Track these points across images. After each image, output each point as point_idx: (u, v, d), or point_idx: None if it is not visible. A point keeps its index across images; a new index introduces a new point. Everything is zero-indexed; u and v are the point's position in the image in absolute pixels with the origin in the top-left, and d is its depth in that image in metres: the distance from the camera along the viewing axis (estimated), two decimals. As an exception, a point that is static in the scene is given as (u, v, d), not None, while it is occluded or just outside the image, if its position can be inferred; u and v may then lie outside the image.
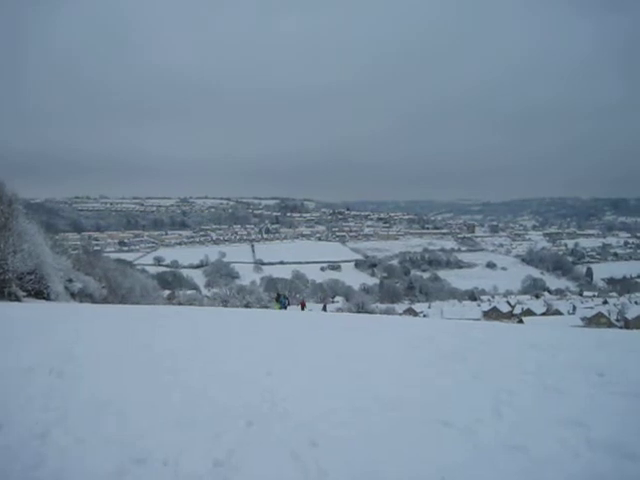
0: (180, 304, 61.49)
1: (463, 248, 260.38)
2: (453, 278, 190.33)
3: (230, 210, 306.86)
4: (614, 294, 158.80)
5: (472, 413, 6.91)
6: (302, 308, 44.16)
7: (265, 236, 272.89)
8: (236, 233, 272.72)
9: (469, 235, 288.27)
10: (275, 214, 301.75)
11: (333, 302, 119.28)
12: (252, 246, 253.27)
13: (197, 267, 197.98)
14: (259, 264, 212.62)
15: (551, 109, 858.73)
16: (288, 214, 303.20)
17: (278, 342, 12.93)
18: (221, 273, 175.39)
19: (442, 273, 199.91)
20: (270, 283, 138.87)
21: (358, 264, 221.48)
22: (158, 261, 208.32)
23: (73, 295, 36.80)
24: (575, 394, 8.08)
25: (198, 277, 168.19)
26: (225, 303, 65.40)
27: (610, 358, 11.31)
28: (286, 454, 5.56)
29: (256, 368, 9.40)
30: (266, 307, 61.08)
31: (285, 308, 38.75)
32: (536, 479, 5.08)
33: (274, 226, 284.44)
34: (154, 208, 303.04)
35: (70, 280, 37.01)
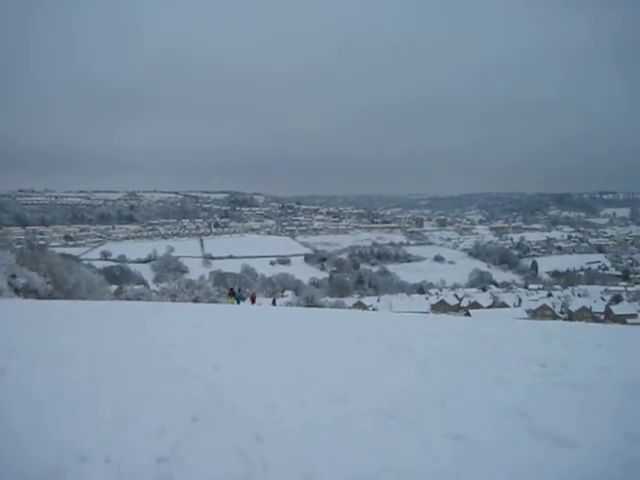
0: (128, 299, 60.66)
1: (412, 242, 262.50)
2: (402, 272, 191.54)
3: (179, 204, 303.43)
4: (558, 287, 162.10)
5: (416, 405, 6.99)
6: (252, 302, 44.00)
7: (214, 230, 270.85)
8: (185, 227, 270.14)
9: (418, 229, 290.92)
10: (224, 208, 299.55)
11: (283, 296, 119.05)
12: (201, 240, 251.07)
13: (145, 262, 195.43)
14: (208, 258, 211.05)
15: (501, 105, 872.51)
16: (237, 208, 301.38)
17: (227, 337, 12.87)
18: (169, 267, 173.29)
19: (391, 267, 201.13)
20: (219, 277, 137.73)
21: (308, 258, 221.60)
22: (105, 256, 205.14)
23: (17, 291, 35.98)
24: (517, 384, 8.24)
25: (146, 272, 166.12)
26: (173, 298, 64.61)
27: (552, 349, 11.55)
28: (231, 449, 5.52)
29: (203, 363, 9.33)
30: (215, 302, 60.54)
31: (239, 302, 38.59)
32: (475, 468, 5.16)
33: (223, 220, 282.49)
34: (101, 202, 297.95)
35: (14, 276, 36.18)
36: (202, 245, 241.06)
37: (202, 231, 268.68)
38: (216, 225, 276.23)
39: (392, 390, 7.70)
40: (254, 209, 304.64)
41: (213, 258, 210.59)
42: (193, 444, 5.66)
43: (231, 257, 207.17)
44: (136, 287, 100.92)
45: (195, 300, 62.68)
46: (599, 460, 5.46)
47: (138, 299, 60.35)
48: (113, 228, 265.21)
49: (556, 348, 11.83)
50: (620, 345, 13.41)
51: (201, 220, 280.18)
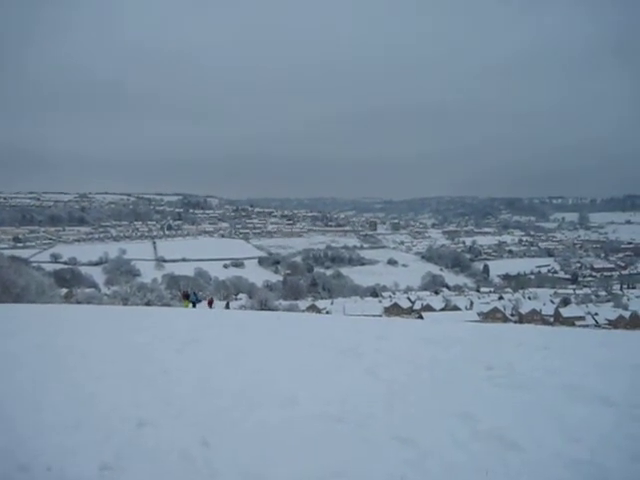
0: (78, 303, 59.78)
1: (365, 245, 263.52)
2: (356, 275, 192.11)
3: (131, 206, 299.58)
4: (509, 290, 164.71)
5: (365, 408, 7.04)
6: (210, 306, 43.73)
7: (167, 233, 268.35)
8: (137, 230, 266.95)
9: (371, 232, 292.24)
10: (177, 210, 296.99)
11: (236, 299, 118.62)
12: (154, 243, 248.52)
13: (96, 264, 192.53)
14: (161, 261, 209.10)
15: (452, 112, 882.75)
16: (191, 211, 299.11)
17: (177, 340, 12.77)
18: (121, 270, 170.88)
19: (345, 270, 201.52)
20: (172, 280, 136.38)
21: (262, 261, 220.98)
22: (55, 258, 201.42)
23: (-38, 294, 35.21)
24: (464, 387, 8.35)
25: (97, 275, 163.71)
26: (125, 301, 63.90)
27: (499, 352, 11.73)
28: (176, 454, 5.49)
29: (152, 367, 9.26)
30: (168, 305, 59.97)
31: (195, 306, 38.24)
32: (421, 470, 5.22)
33: (176, 223, 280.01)
34: (51, 203, 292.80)
35: (-41, 279, 35.41)
36: (155, 248, 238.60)
37: (155, 234, 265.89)
38: (169, 228, 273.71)
39: (341, 393, 7.74)
40: (208, 212, 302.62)
41: (166, 261, 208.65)
42: (138, 450, 5.59)
43: (184, 260, 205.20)
44: (87, 290, 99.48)
45: (147, 303, 61.92)
46: (541, 461, 5.57)
47: (89, 303, 59.36)
48: (64, 230, 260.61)
49: (504, 350, 12.02)
50: (566, 347, 13.65)
51: (154, 222, 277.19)
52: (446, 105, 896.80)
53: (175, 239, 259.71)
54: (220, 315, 24.66)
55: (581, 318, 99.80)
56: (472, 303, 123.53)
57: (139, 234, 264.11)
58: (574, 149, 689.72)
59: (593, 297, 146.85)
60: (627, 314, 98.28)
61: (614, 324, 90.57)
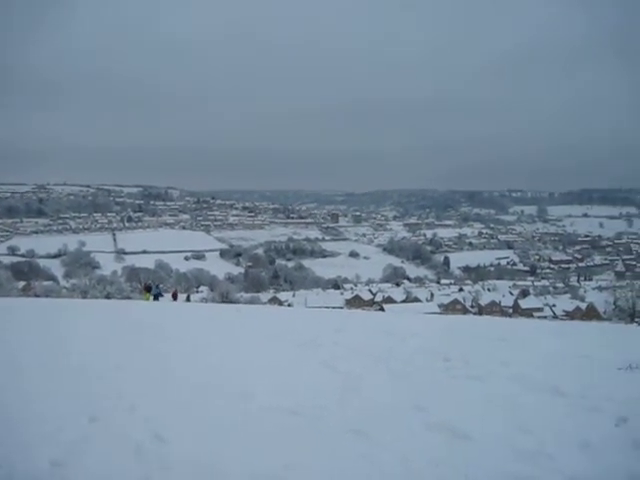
0: (36, 296, 58.93)
1: (327, 237, 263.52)
2: (317, 267, 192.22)
3: (90, 197, 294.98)
4: (469, 282, 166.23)
5: (319, 400, 7.07)
6: (174, 298, 43.32)
7: (127, 225, 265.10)
8: (97, 221, 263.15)
9: (333, 225, 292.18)
10: (138, 202, 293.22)
11: (197, 292, 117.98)
12: (114, 235, 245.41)
13: (55, 257, 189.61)
14: (121, 253, 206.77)
15: (415, 104, 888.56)
16: (151, 202, 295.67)
17: (133, 334, 12.69)
18: (80, 263, 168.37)
19: (307, 262, 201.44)
20: (132, 273, 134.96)
21: (223, 253, 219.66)
22: (12, 251, 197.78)
23: None
24: (420, 379, 8.46)
25: (56, 267, 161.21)
26: (84, 294, 63.20)
27: (456, 343, 11.88)
28: (129, 450, 5.43)
29: (105, 361, 9.19)
30: (128, 298, 59.39)
31: (157, 298, 37.84)
32: (374, 463, 5.26)
33: (137, 214, 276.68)
34: (8, 194, 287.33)
35: None
36: (115, 240, 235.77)
37: (115, 225, 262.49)
38: (129, 219, 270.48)
39: (297, 386, 7.77)
40: (168, 203, 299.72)
41: (126, 253, 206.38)
42: (90, 446, 5.52)
43: (145, 252, 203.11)
44: (45, 283, 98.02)
45: (107, 296, 61.27)
46: (492, 451, 5.66)
47: (47, 296, 58.56)
48: (21, 222, 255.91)
49: (461, 342, 12.18)
50: (521, 339, 13.89)
51: (114, 214, 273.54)
52: (412, 102, 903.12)
53: (135, 231, 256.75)
54: (179, 308, 24.56)
55: (539, 309, 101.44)
56: (433, 295, 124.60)
57: (98, 226, 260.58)
58: (532, 144, 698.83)
59: (551, 289, 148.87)
60: (584, 305, 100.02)
61: (571, 315, 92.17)
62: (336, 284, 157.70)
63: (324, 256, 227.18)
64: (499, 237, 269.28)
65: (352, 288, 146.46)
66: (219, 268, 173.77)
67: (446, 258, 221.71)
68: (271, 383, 7.93)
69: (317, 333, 13.24)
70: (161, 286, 49.70)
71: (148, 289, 39.92)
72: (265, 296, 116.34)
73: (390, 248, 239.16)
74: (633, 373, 9.48)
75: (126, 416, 6.45)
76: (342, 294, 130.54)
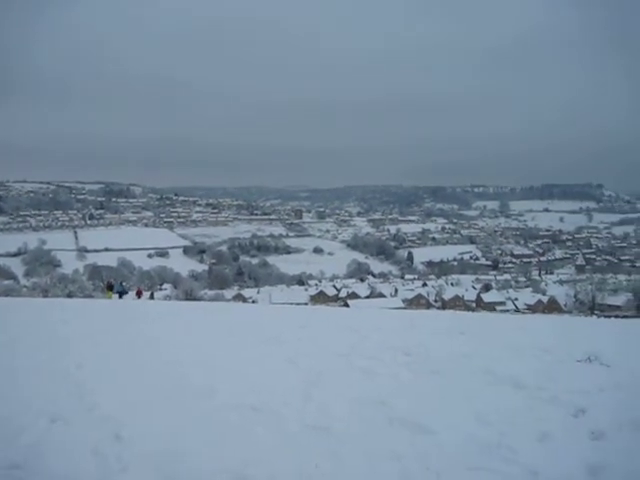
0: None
1: (291, 234, 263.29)
2: (282, 263, 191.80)
3: (51, 195, 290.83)
4: (433, 276, 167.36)
5: (282, 397, 7.07)
6: (139, 296, 42.96)
7: (89, 222, 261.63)
8: (58, 219, 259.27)
9: (297, 221, 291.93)
10: (99, 199, 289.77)
11: (161, 289, 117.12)
12: (75, 233, 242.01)
13: (15, 255, 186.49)
14: (83, 251, 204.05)
15: (378, 102, 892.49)
16: (113, 199, 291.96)
17: (96, 333, 12.54)
18: (41, 261, 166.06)
19: (271, 259, 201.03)
20: (95, 271, 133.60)
21: (187, 250, 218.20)
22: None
23: None
24: (382, 374, 8.49)
25: (16, 266, 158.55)
26: (45, 293, 62.48)
27: (418, 338, 11.96)
28: (88, 450, 5.36)
29: (67, 361, 9.07)
30: (91, 296, 58.75)
31: (122, 296, 37.47)
32: (336, 458, 5.28)
33: (98, 212, 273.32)
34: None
35: None
36: (76, 238, 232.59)
37: (76, 223, 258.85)
38: (91, 217, 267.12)
39: (260, 383, 7.74)
40: (131, 200, 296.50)
41: (88, 251, 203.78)
42: (49, 447, 5.43)
43: (107, 250, 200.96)
44: (5, 282, 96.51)
45: (69, 295, 60.62)
46: (454, 444, 5.72)
47: (7, 295, 57.63)
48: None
49: (422, 336, 12.26)
50: (483, 332, 14.03)
51: (75, 212, 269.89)
52: (376, 100, 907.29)
53: (97, 229, 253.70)
54: (142, 306, 24.36)
55: (502, 303, 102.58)
56: (397, 290, 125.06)
57: (59, 224, 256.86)
58: (494, 139, 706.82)
59: (513, 283, 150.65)
60: (545, 299, 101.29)
61: (533, 309, 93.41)
62: (300, 280, 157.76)
63: (288, 252, 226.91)
64: (462, 232, 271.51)
65: (317, 284, 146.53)
66: (183, 265, 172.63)
67: (410, 253, 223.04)
68: (233, 380, 7.89)
69: (281, 329, 13.23)
70: (124, 284, 49.21)
71: (110, 287, 39.58)
72: (229, 293, 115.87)
73: (354, 244, 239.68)
74: (591, 365, 9.65)
75: (86, 416, 6.36)
76: (307, 290, 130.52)
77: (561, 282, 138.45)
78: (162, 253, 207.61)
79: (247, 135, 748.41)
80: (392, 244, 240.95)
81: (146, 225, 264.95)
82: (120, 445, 5.55)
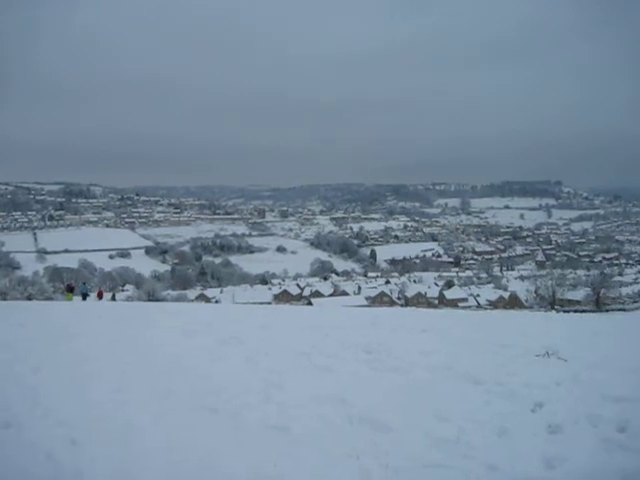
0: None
1: (254, 233, 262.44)
2: (245, 263, 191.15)
3: (9, 196, 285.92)
4: (395, 274, 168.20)
5: (241, 397, 7.01)
6: (99, 298, 42.48)
7: (48, 223, 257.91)
8: (16, 220, 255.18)
9: (260, 220, 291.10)
10: (59, 200, 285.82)
11: (123, 290, 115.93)
12: (34, 234, 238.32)
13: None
14: (42, 253, 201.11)
15: (339, 102, 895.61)
16: (73, 200, 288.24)
17: (53, 336, 12.33)
18: (0, 264, 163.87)
19: (234, 258, 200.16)
20: (55, 273, 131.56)
21: (149, 251, 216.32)
22: None
23: None
24: (342, 372, 8.49)
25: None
26: (4, 296, 61.33)
27: (379, 336, 12.00)
28: (42, 455, 5.24)
29: (22, 365, 8.90)
30: (51, 299, 57.87)
31: (85, 298, 37.00)
32: (294, 458, 5.24)
33: (58, 213, 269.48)
34: None
35: None
36: (36, 239, 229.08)
37: (35, 224, 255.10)
38: (50, 218, 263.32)
39: (218, 383, 7.66)
40: (91, 201, 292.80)
41: (48, 253, 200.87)
42: (3, 453, 5.30)
43: (67, 251, 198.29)
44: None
45: (28, 298, 59.56)
46: (412, 441, 5.74)
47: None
48: None
49: (384, 334, 12.31)
50: (444, 329, 14.12)
51: (34, 213, 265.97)
52: (338, 99, 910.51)
53: (57, 230, 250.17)
54: (102, 307, 24.07)
55: (464, 300, 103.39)
56: (360, 288, 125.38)
57: (18, 225, 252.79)
58: (455, 139, 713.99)
59: (475, 279, 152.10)
60: (506, 295, 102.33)
61: (494, 304, 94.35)
62: (264, 279, 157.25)
63: (251, 252, 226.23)
64: (424, 230, 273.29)
65: (280, 283, 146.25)
66: (145, 266, 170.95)
67: (373, 251, 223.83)
68: (192, 381, 7.80)
69: (241, 329, 13.18)
70: (86, 285, 48.60)
71: (70, 290, 39.05)
72: (192, 293, 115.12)
73: (317, 242, 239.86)
74: (549, 359, 9.77)
75: (40, 421, 6.23)
76: (270, 289, 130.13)
77: (522, 278, 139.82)
78: (124, 254, 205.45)
79: (209, 134, 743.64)
80: (355, 242, 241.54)
81: (107, 226, 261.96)
82: (75, 450, 5.43)
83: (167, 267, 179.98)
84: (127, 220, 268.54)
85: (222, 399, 6.90)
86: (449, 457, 5.38)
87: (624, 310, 77.20)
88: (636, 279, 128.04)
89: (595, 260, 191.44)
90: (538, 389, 7.60)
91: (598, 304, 76.14)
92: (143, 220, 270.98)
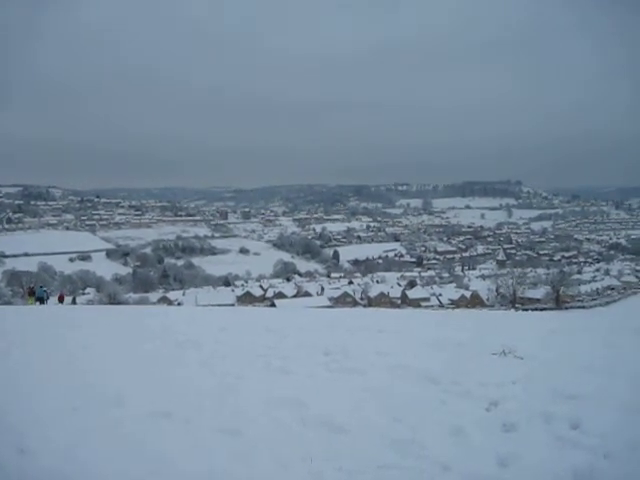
0: None
1: (216, 235, 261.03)
2: (207, 265, 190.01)
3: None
4: (358, 274, 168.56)
5: (194, 401, 6.90)
6: (60, 301, 41.82)
7: (6, 226, 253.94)
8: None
9: (222, 222, 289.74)
10: (17, 202, 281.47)
11: (84, 294, 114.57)
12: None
13: None
14: (0, 257, 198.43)
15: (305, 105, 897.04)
16: (32, 202, 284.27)
17: (6, 341, 12.07)
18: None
19: (196, 260, 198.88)
20: (13, 277, 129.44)
21: (110, 253, 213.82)
22: None
23: None
24: (299, 374, 8.45)
25: None
26: (-41, 301, 60.36)
27: (337, 337, 11.98)
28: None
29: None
30: (9, 303, 56.99)
31: (44, 302, 36.34)
32: (247, 462, 5.17)
33: (16, 215, 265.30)
34: None
35: None
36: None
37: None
38: (8, 221, 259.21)
39: (172, 388, 7.54)
40: (50, 203, 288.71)
41: (6, 256, 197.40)
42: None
43: (26, 255, 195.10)
44: None
45: (-15, 302, 58.66)
46: (367, 442, 5.72)
47: None
48: None
49: (342, 335, 12.30)
50: (402, 329, 14.19)
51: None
52: (300, 100, 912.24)
53: (15, 233, 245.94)
54: (60, 311, 23.72)
55: (426, 299, 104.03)
56: (323, 289, 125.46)
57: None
58: (415, 139, 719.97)
59: (437, 279, 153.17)
60: (468, 294, 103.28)
61: (456, 303, 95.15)
62: (227, 281, 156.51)
63: (214, 253, 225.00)
64: (386, 230, 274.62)
65: (243, 285, 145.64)
66: (106, 269, 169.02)
67: (335, 252, 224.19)
68: (145, 387, 7.64)
69: (199, 332, 13.07)
70: (45, 289, 47.81)
71: (32, 293, 38.42)
72: (154, 296, 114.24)
73: (280, 243, 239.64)
74: (506, 358, 9.86)
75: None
76: (233, 291, 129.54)
77: (483, 277, 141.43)
78: (84, 257, 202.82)
79: (170, 135, 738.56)
80: (318, 243, 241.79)
81: (67, 228, 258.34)
82: (23, 458, 5.26)
83: (129, 270, 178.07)
84: (87, 223, 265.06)
85: (176, 403, 6.77)
86: (403, 457, 5.37)
87: (583, 308, 78.69)
88: (594, 277, 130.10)
89: (554, 259, 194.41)
90: (494, 388, 7.66)
91: (558, 302, 77.37)
92: (104, 222, 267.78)
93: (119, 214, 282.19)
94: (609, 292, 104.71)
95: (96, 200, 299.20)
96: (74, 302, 71.89)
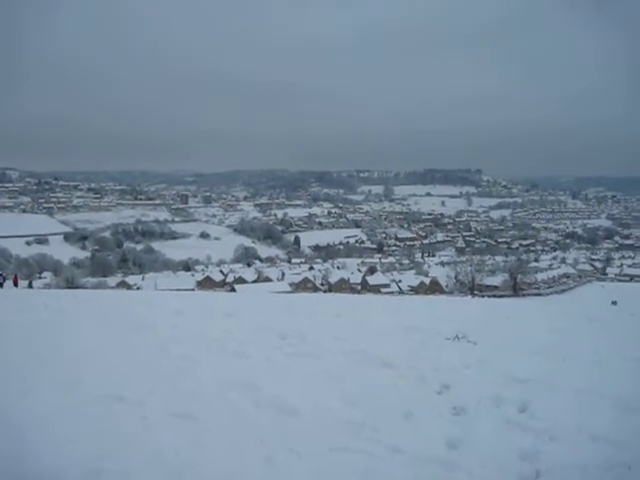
0: None
1: (177, 219, 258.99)
2: (167, 249, 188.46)
3: None
4: (319, 260, 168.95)
5: (148, 385, 6.85)
6: (15, 285, 41.13)
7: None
8: None
9: (183, 206, 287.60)
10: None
11: (40, 278, 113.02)
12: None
13: None
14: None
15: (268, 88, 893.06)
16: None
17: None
18: None
19: (156, 244, 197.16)
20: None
21: (67, 237, 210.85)
22: None
23: None
24: (254, 358, 8.48)
25: None
26: None
27: (295, 321, 12.04)
28: None
29: None
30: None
31: (1, 285, 35.75)
32: (198, 445, 5.14)
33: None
34: None
35: None
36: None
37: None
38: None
39: (125, 372, 7.47)
40: (6, 185, 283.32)
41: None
42: None
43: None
44: None
45: (-63, 286, 57.38)
46: (319, 425, 5.77)
47: None
48: None
49: (299, 320, 12.35)
50: (359, 314, 14.29)
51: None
52: (264, 84, 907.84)
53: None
54: (15, 294, 23.39)
55: (386, 285, 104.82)
56: (284, 274, 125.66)
57: None
58: (378, 126, 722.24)
59: (397, 265, 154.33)
60: (427, 280, 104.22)
61: (416, 290, 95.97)
62: (187, 266, 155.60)
63: (174, 238, 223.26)
64: (348, 216, 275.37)
65: (203, 269, 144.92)
66: (64, 252, 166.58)
67: (297, 237, 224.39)
68: (99, 370, 7.54)
69: (155, 316, 13.00)
70: (0, 272, 46.93)
71: (-12, 277, 37.75)
72: (113, 280, 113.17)
73: (241, 228, 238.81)
74: (459, 343, 10.02)
75: None
76: (193, 276, 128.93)
77: (442, 264, 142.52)
78: (41, 240, 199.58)
79: (131, 118, 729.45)
80: (279, 228, 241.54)
81: (24, 211, 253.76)
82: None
83: (87, 254, 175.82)
84: (45, 205, 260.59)
85: (129, 387, 6.71)
86: (354, 440, 5.42)
87: (540, 295, 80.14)
88: (551, 265, 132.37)
89: (513, 247, 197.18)
90: (446, 372, 7.79)
91: (515, 289, 78.74)
92: (62, 205, 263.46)
93: (77, 197, 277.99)
94: (565, 280, 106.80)
95: (54, 182, 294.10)
96: (30, 286, 70.83)
